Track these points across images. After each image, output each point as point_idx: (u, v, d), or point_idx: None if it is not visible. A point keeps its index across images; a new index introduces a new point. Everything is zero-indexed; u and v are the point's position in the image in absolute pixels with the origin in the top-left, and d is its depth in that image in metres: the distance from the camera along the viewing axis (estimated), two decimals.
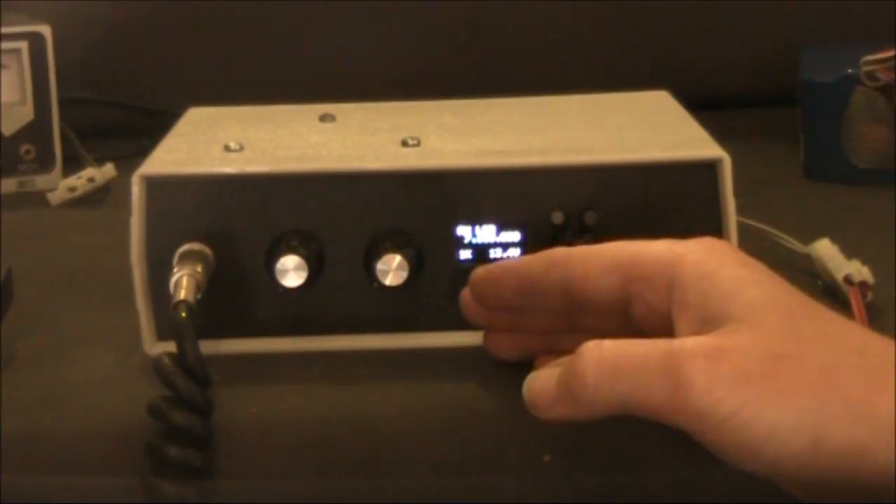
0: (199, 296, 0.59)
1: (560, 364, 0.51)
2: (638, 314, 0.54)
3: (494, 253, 0.63)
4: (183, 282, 0.59)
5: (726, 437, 0.46)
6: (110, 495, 0.55)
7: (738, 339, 0.47)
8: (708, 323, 0.49)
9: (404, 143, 0.66)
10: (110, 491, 0.55)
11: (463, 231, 0.63)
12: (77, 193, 0.89)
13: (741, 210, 0.63)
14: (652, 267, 0.53)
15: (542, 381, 0.52)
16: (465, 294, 0.60)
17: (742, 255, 0.52)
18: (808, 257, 0.70)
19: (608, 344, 0.49)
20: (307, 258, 0.61)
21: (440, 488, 0.55)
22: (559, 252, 0.57)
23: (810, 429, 0.45)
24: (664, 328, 0.52)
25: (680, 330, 0.51)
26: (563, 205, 0.63)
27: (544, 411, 0.51)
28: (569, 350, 0.51)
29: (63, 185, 0.89)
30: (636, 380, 0.48)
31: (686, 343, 0.48)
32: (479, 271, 0.59)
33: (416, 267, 0.62)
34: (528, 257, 0.58)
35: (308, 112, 0.75)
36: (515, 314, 0.60)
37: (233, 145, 0.66)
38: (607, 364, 0.49)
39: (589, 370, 0.49)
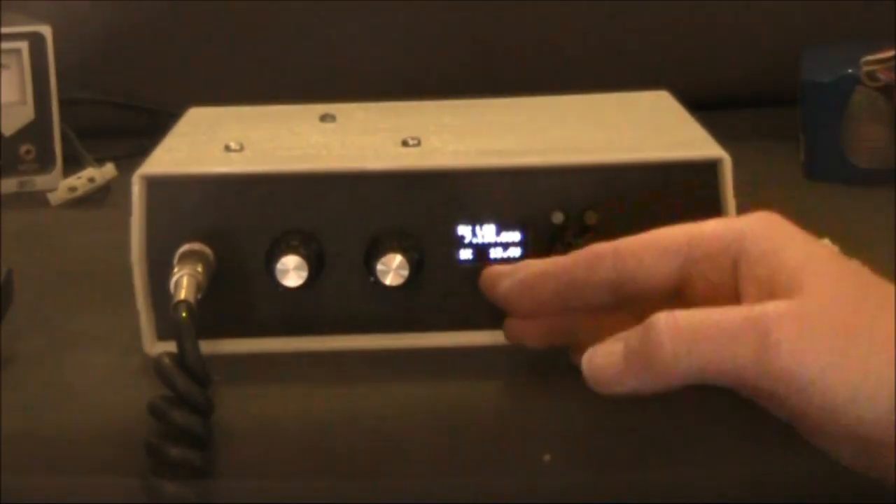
0: (199, 296, 0.59)
1: (621, 338, 0.51)
2: (698, 292, 0.54)
3: (495, 253, 0.63)
4: (183, 282, 0.59)
5: (810, 398, 0.47)
6: (110, 495, 0.55)
7: (817, 306, 0.48)
8: (776, 295, 0.50)
9: (404, 143, 0.66)
10: (110, 491, 0.55)
11: (463, 231, 0.63)
12: (77, 193, 0.89)
13: (741, 210, 0.63)
14: (715, 245, 0.53)
15: (605, 355, 0.51)
16: (510, 323, 0.60)
17: (796, 229, 0.53)
18: None
19: (681, 313, 0.49)
20: (307, 258, 0.61)
21: (440, 488, 0.55)
22: (603, 247, 0.56)
23: (890, 393, 0.46)
24: (726, 303, 0.52)
25: (747, 303, 0.51)
26: (563, 205, 0.63)
27: (611, 385, 0.51)
28: (601, 339, 0.52)
29: (63, 185, 0.89)
30: (718, 345, 0.48)
31: (768, 307, 0.49)
32: (508, 284, 0.58)
33: (417, 267, 0.62)
34: (564, 259, 0.57)
35: (308, 112, 0.74)
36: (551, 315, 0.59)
37: (233, 145, 0.66)
38: (685, 331, 0.49)
39: (665, 338, 0.49)
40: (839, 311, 0.48)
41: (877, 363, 0.47)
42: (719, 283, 0.53)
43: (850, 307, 0.49)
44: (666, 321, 0.49)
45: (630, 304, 0.56)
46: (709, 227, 0.54)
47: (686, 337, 0.49)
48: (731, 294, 0.52)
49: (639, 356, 0.50)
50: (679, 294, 0.55)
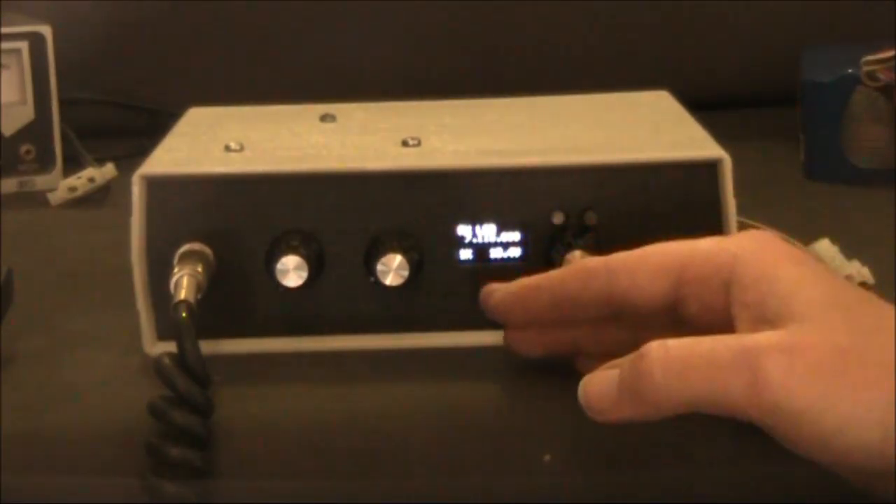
0: (199, 296, 0.59)
1: (615, 365, 0.50)
2: (692, 313, 0.54)
3: (495, 253, 0.63)
4: (183, 282, 0.59)
5: (800, 430, 0.47)
6: (110, 495, 0.55)
7: (806, 336, 0.48)
8: (767, 321, 0.49)
9: (404, 143, 0.66)
10: (110, 491, 0.55)
11: (463, 231, 0.63)
12: (77, 193, 0.89)
13: (741, 210, 0.63)
14: (707, 268, 0.53)
15: (600, 384, 0.51)
16: (509, 334, 0.60)
17: (791, 249, 0.52)
18: None
19: (673, 343, 0.49)
20: (307, 258, 0.61)
21: (440, 488, 0.55)
22: (595, 263, 0.56)
23: (880, 421, 0.46)
24: (720, 324, 0.51)
25: (741, 327, 0.51)
26: (563, 205, 0.63)
27: (605, 413, 0.51)
28: (601, 347, 0.52)
29: (63, 185, 0.89)
30: (709, 377, 0.48)
31: (758, 338, 0.48)
32: (500, 295, 0.59)
33: (417, 267, 0.62)
34: (557, 272, 0.58)
35: (308, 112, 0.75)
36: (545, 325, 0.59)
37: (233, 145, 0.66)
38: (675, 362, 0.48)
39: (656, 369, 0.48)
40: (830, 339, 0.48)
41: (869, 391, 0.46)
42: (713, 304, 0.52)
43: (841, 333, 0.48)
44: (657, 351, 0.49)
45: (628, 315, 0.56)
46: (701, 248, 0.54)
47: (677, 368, 0.48)
48: (724, 315, 0.52)
49: (631, 386, 0.49)
50: (668, 312, 0.54)
